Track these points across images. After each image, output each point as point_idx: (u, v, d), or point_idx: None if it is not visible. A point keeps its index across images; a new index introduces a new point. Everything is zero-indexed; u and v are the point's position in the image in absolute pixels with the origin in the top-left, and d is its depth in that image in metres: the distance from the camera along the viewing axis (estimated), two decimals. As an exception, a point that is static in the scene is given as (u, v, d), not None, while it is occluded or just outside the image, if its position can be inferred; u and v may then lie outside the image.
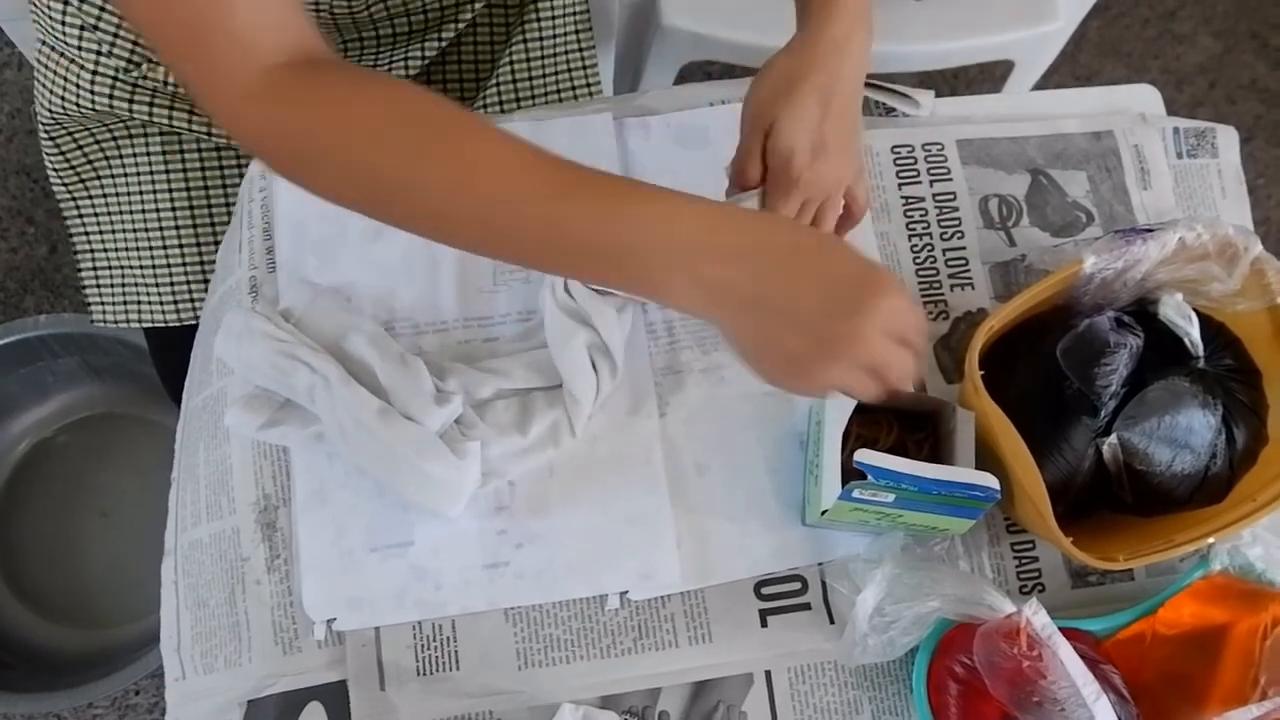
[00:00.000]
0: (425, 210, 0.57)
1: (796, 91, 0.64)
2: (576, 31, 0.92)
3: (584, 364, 0.69)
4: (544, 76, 0.92)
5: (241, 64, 0.55)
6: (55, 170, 0.90)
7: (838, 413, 0.66)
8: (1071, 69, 1.73)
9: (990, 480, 0.64)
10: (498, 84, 0.91)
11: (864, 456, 0.62)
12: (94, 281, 0.91)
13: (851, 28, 0.64)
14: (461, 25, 0.88)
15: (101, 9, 0.81)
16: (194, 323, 0.86)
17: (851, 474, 0.63)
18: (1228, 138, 0.86)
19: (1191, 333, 0.70)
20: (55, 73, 0.85)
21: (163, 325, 0.88)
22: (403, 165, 0.55)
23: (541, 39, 0.91)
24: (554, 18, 0.92)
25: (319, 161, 0.57)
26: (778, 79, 0.65)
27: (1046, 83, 1.32)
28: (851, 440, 0.67)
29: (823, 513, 0.66)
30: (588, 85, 0.93)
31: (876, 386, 0.56)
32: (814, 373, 0.56)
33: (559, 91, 0.92)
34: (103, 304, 0.90)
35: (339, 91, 0.56)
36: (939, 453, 0.70)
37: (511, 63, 0.91)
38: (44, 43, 0.86)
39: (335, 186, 0.58)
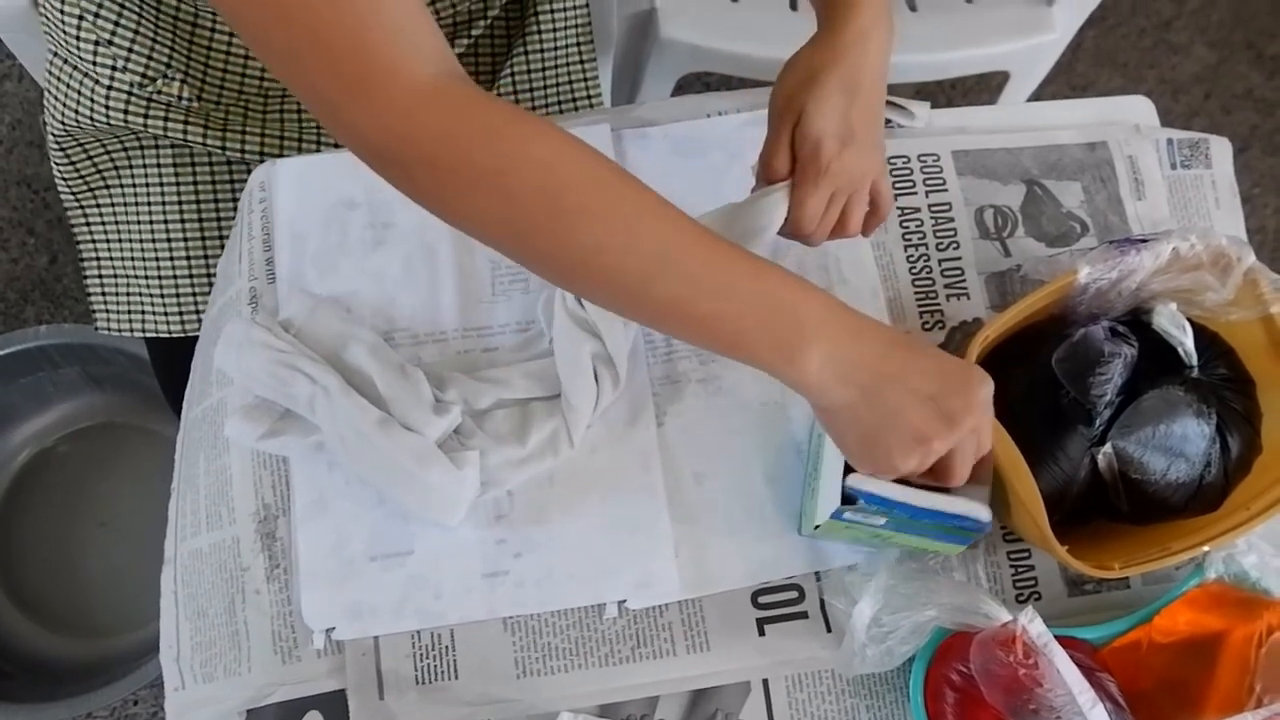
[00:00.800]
0: (577, 264, 0.55)
1: (822, 80, 0.65)
2: (579, 43, 0.93)
3: (586, 372, 0.70)
4: (545, 87, 0.92)
5: (412, 64, 0.52)
6: (64, 180, 0.91)
7: None
8: (1068, 79, 1.74)
9: (981, 512, 0.64)
10: (499, 94, 0.91)
11: (856, 482, 0.62)
12: (99, 290, 0.91)
13: (873, 22, 0.65)
14: (461, 48, 0.88)
15: (116, 24, 0.81)
16: (197, 333, 0.87)
17: (848, 499, 0.63)
18: (1221, 149, 0.86)
19: (1186, 342, 0.71)
20: (69, 85, 0.85)
21: (166, 335, 0.88)
22: (581, 213, 0.54)
23: (543, 50, 0.92)
24: (555, 29, 0.92)
25: (486, 178, 0.53)
26: (804, 70, 0.66)
27: (1043, 93, 1.33)
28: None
29: (816, 527, 0.66)
30: (589, 96, 0.93)
31: (963, 472, 0.62)
32: (933, 448, 0.59)
33: (560, 102, 0.93)
34: (107, 312, 0.91)
35: (515, 113, 0.54)
36: (938, 470, 0.70)
37: (513, 73, 0.92)
38: (55, 54, 0.86)
39: (487, 208, 0.54)
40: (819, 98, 0.65)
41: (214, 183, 0.87)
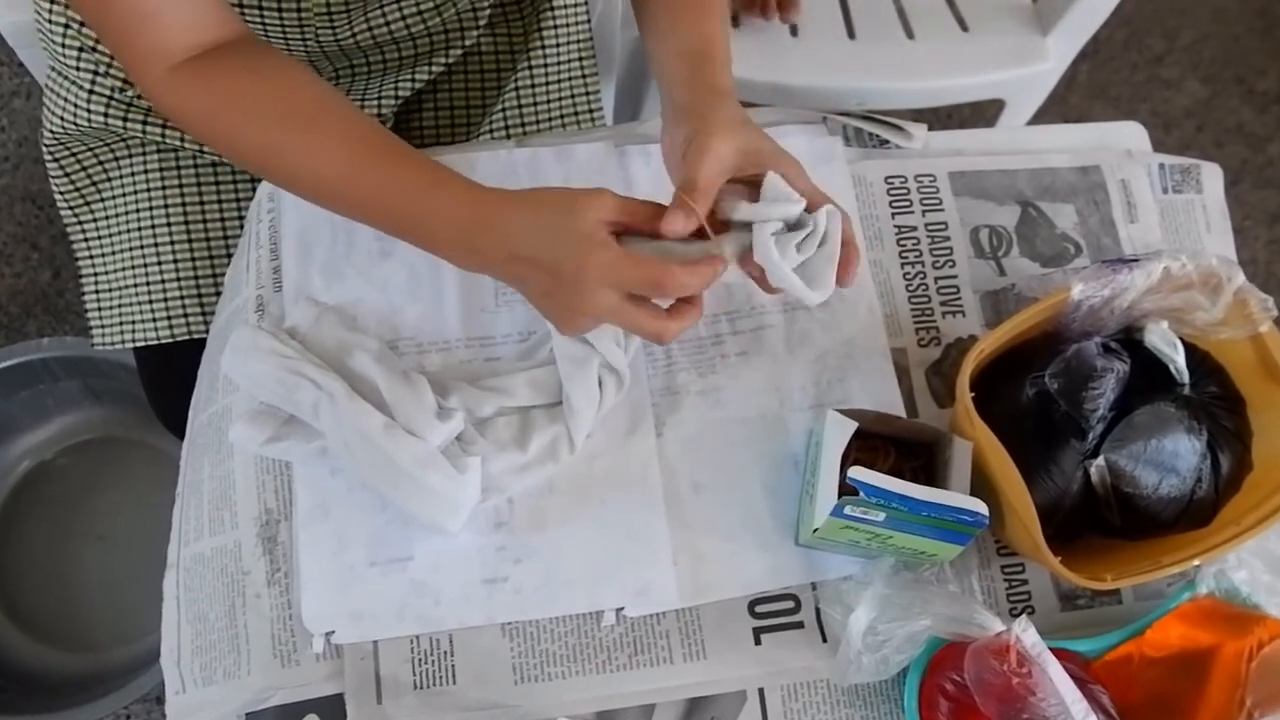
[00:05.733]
0: (285, 183, 0.72)
1: (762, 138, 0.69)
2: (580, 59, 0.95)
3: (589, 377, 0.71)
4: (548, 102, 0.94)
5: (159, 61, 0.67)
6: (60, 191, 0.92)
7: (838, 435, 0.68)
8: (1061, 111, 1.76)
9: (979, 505, 0.65)
10: (503, 108, 0.93)
11: (858, 474, 0.63)
12: (95, 304, 0.92)
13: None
14: (452, 58, 0.90)
15: None
16: (186, 338, 0.88)
17: (847, 494, 0.64)
18: (1212, 174, 0.88)
19: (1177, 360, 0.72)
20: (57, 94, 0.88)
21: (155, 343, 0.89)
22: (263, 149, 0.69)
23: (546, 65, 0.94)
24: (558, 45, 0.94)
25: (212, 141, 0.73)
26: (744, 133, 0.68)
27: (1037, 123, 1.35)
28: (849, 463, 0.69)
29: (814, 531, 0.67)
30: (590, 111, 0.95)
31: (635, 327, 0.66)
32: (569, 328, 0.68)
33: (563, 118, 0.94)
34: (103, 326, 0.92)
35: (224, 85, 0.68)
36: (934, 480, 0.71)
37: (516, 88, 0.93)
38: (53, 68, 0.88)
39: (230, 158, 0.76)
40: (760, 131, 0.68)
41: (199, 183, 0.88)
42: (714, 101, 0.69)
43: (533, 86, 0.94)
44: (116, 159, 0.90)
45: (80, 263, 0.93)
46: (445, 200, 0.66)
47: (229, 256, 0.88)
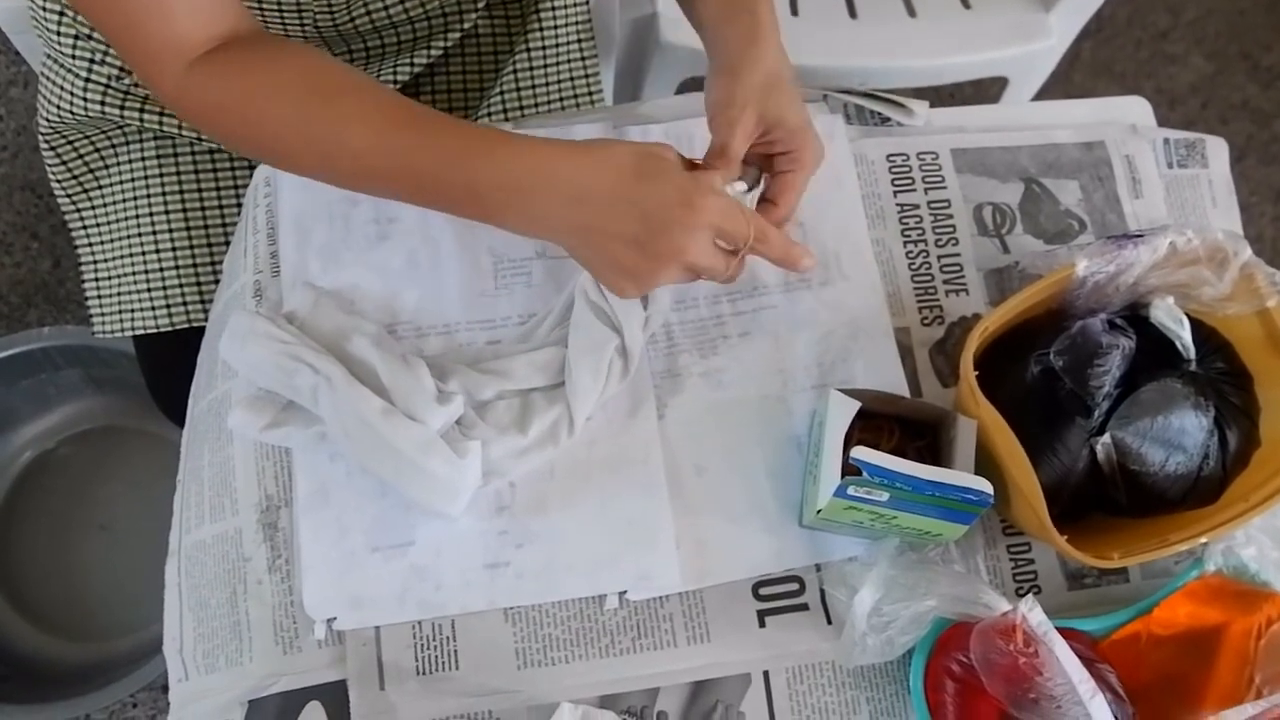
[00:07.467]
0: (315, 166, 0.69)
1: (785, 80, 0.71)
2: (579, 40, 0.94)
3: (600, 360, 0.71)
4: (547, 84, 0.93)
5: (175, 58, 0.65)
6: (58, 180, 0.92)
7: (840, 414, 0.67)
8: (1065, 88, 1.75)
9: (983, 484, 0.64)
10: (501, 91, 0.92)
11: (861, 453, 0.63)
12: (95, 292, 0.92)
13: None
14: (450, 41, 0.89)
15: None
16: (185, 326, 0.87)
17: (850, 475, 0.64)
18: (1217, 148, 0.87)
19: (1183, 335, 0.71)
20: (53, 82, 0.87)
21: (154, 331, 0.88)
22: (290, 132, 0.67)
23: (544, 48, 0.93)
24: (556, 27, 0.93)
25: (234, 136, 0.70)
26: (764, 74, 0.70)
27: (1040, 100, 1.34)
28: (852, 443, 0.68)
29: (818, 512, 0.67)
30: (589, 93, 0.94)
31: (711, 271, 0.66)
32: (646, 279, 0.65)
33: (561, 99, 0.93)
34: (103, 315, 0.91)
35: (245, 78, 0.66)
36: (939, 460, 0.70)
37: (515, 71, 0.93)
38: (48, 55, 0.88)
39: (249, 153, 0.74)
40: (791, 96, 0.70)
41: (197, 171, 0.88)
42: (748, 55, 0.69)
43: (531, 69, 0.93)
44: (114, 147, 0.89)
45: (79, 251, 0.93)
46: (493, 160, 0.64)
47: (227, 244, 0.87)
